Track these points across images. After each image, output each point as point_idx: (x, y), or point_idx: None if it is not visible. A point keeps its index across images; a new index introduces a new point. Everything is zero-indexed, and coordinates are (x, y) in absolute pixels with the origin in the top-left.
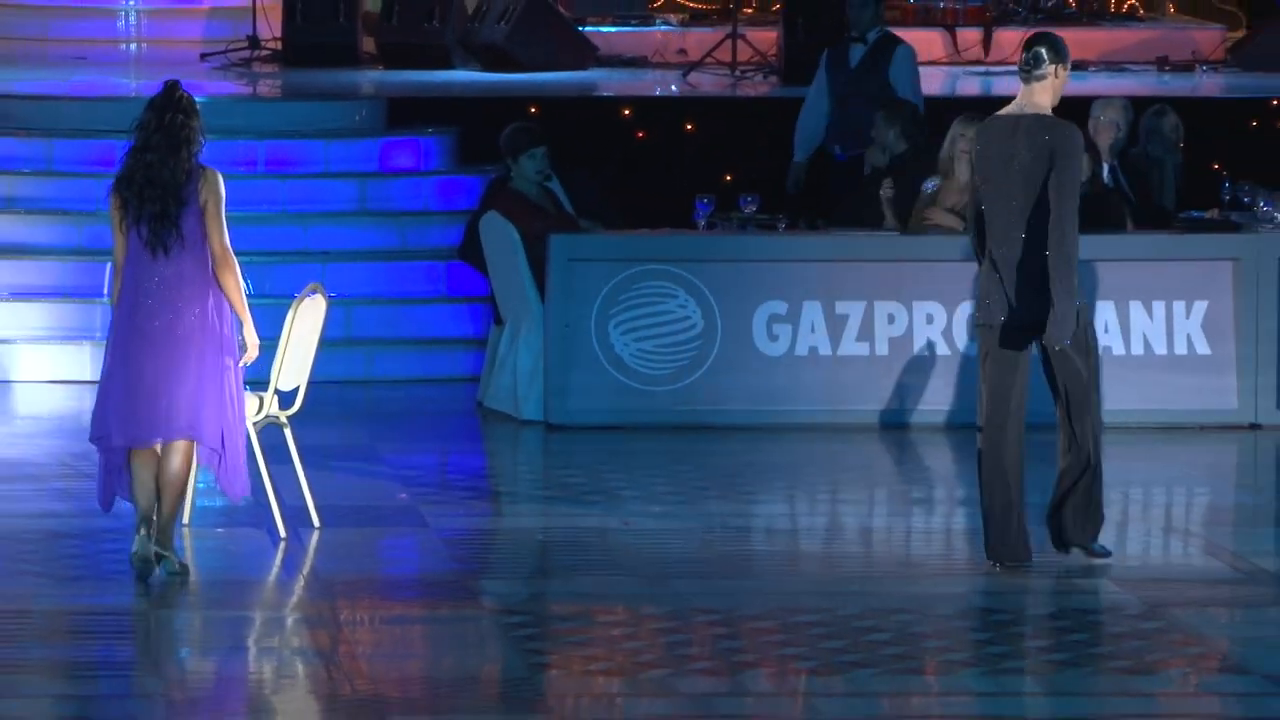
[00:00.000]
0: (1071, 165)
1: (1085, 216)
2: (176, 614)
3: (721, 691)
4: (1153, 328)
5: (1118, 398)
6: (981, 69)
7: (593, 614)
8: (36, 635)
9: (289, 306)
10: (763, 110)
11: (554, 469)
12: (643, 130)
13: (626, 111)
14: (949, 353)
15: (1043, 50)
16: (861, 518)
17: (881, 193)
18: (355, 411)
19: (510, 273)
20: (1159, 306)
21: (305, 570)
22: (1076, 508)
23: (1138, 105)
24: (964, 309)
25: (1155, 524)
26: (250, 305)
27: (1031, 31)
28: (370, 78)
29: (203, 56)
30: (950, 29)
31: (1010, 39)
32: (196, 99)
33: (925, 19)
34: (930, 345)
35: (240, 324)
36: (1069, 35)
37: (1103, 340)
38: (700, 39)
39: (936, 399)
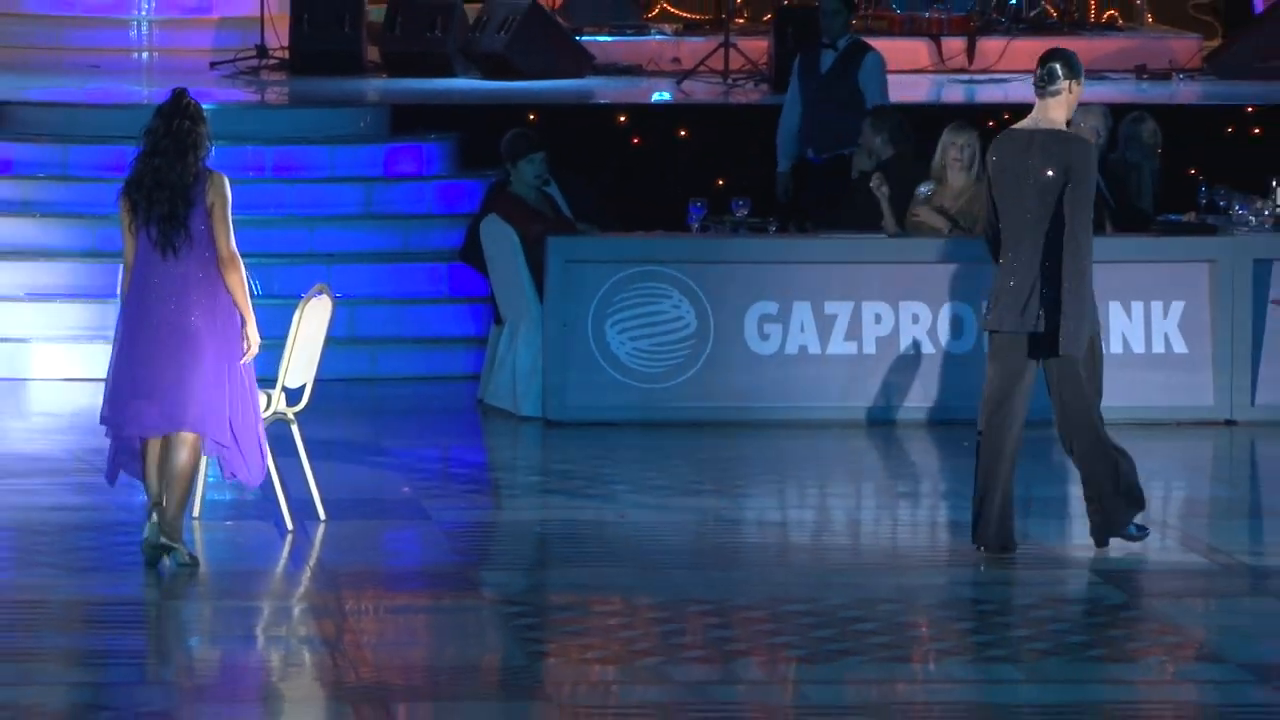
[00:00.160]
0: (1086, 181)
1: None
2: (186, 604)
3: (714, 679)
4: (1131, 327)
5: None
6: (965, 77)
7: (589, 604)
8: (51, 624)
9: (296, 306)
10: (754, 117)
11: (552, 464)
12: (638, 136)
13: (622, 118)
14: (934, 351)
15: (1057, 66)
16: (849, 511)
17: (876, 187)
18: (360, 408)
19: (510, 274)
20: (1138, 306)
21: (311, 561)
22: (1113, 502)
23: (1117, 112)
24: (948, 309)
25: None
26: (258, 305)
27: (1016, 41)
28: (374, 85)
29: (212, 65)
30: (935, 38)
31: (993, 48)
32: (206, 106)
33: (911, 28)
34: (916, 344)
35: (244, 321)
36: (1049, 45)
37: None
38: (693, 48)
39: (922, 396)
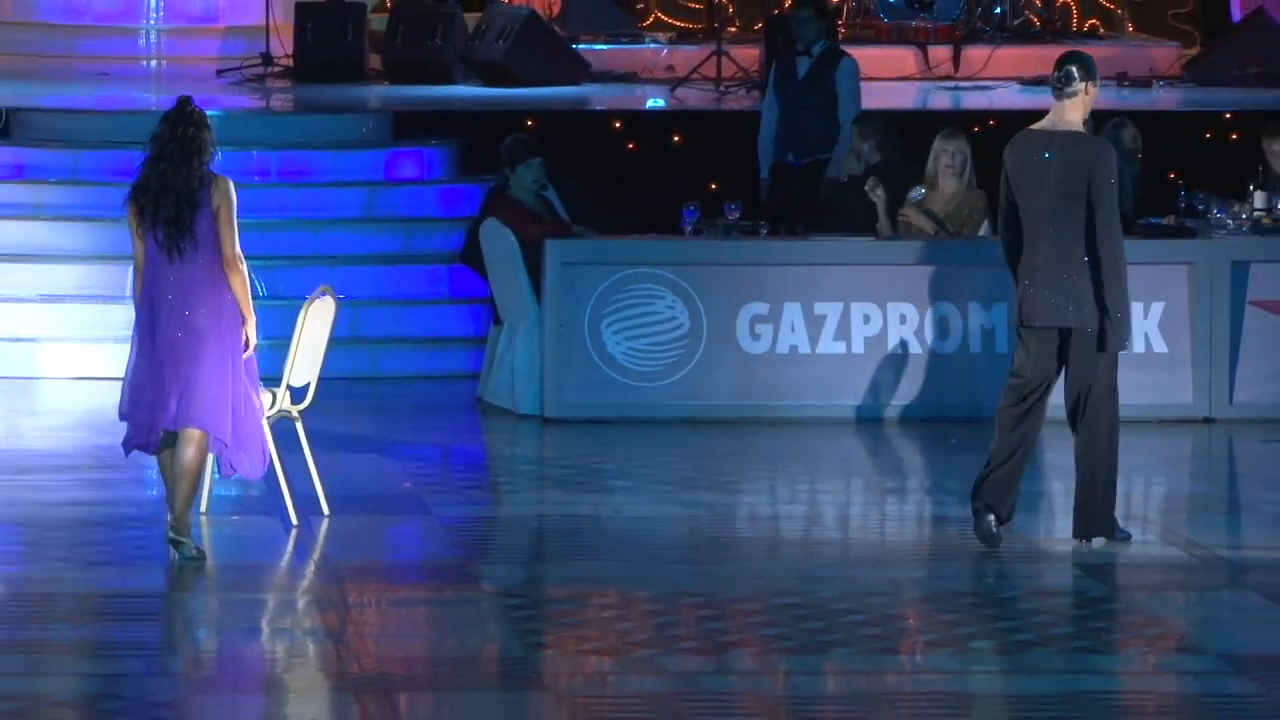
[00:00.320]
0: (1109, 181)
1: None
2: (194, 597)
3: (707, 670)
4: None
5: None
6: (951, 84)
7: (586, 597)
8: (63, 617)
9: (300, 307)
10: (746, 123)
11: (549, 460)
12: (633, 142)
13: (618, 124)
14: (920, 351)
15: (1073, 68)
16: (839, 506)
17: (871, 190)
18: (362, 406)
19: (508, 276)
20: None
21: (315, 556)
22: (1105, 502)
23: (1098, 118)
24: (935, 310)
25: (1116, 512)
26: (263, 306)
27: (1000, 50)
28: (377, 92)
29: (219, 73)
30: (922, 46)
31: (978, 56)
32: (213, 112)
33: (899, 37)
34: (903, 344)
35: (244, 320)
36: (1033, 53)
37: None
38: (687, 56)
39: (909, 395)
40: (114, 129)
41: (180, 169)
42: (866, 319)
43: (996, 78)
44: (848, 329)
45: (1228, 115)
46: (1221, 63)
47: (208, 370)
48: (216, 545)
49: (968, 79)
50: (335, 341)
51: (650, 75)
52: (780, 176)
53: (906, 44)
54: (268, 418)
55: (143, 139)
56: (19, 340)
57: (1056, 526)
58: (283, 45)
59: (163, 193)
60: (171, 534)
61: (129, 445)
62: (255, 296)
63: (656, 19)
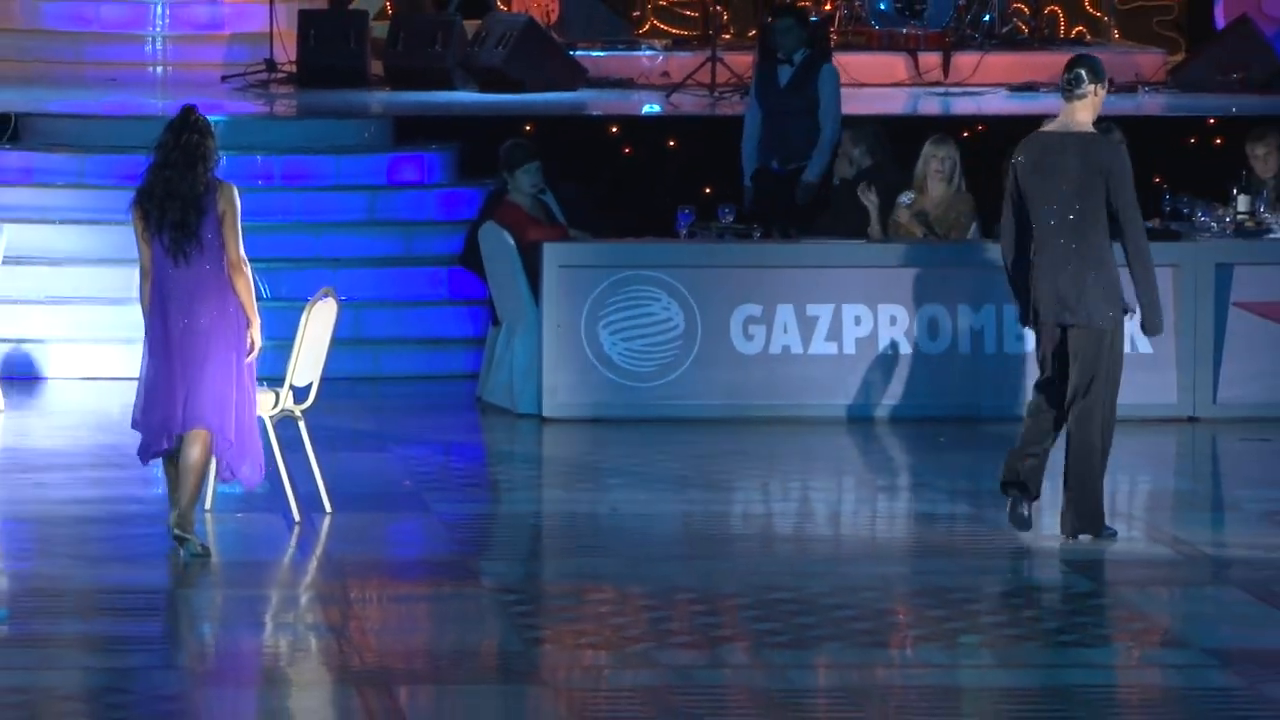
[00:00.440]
0: (1127, 178)
1: None
2: (199, 593)
3: (701, 664)
4: None
5: None
6: (941, 90)
7: (583, 592)
8: (70, 612)
9: (303, 309)
10: (740, 128)
11: (547, 459)
12: (629, 147)
13: (614, 129)
14: (910, 352)
15: (1082, 71)
16: (830, 504)
17: (865, 195)
18: (364, 406)
19: (507, 278)
20: None
21: (318, 552)
22: (1093, 501)
23: None
24: (924, 311)
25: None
26: (267, 308)
27: (989, 56)
28: (378, 98)
29: (224, 78)
30: (912, 53)
31: (968, 62)
32: (218, 118)
33: (889, 44)
34: (894, 345)
35: (249, 323)
36: (1021, 59)
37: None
38: (682, 63)
39: (899, 394)
40: (121, 134)
41: (185, 175)
42: (858, 320)
43: (985, 84)
44: (839, 330)
45: (1212, 120)
46: (1206, 69)
47: (213, 372)
48: (221, 542)
49: (957, 85)
50: (337, 342)
51: (646, 81)
52: (764, 183)
53: (897, 50)
54: (271, 416)
55: (149, 144)
56: (27, 341)
57: (1044, 523)
58: (286, 52)
59: (168, 199)
60: (177, 531)
61: (148, 453)
62: (259, 298)
63: (652, 26)
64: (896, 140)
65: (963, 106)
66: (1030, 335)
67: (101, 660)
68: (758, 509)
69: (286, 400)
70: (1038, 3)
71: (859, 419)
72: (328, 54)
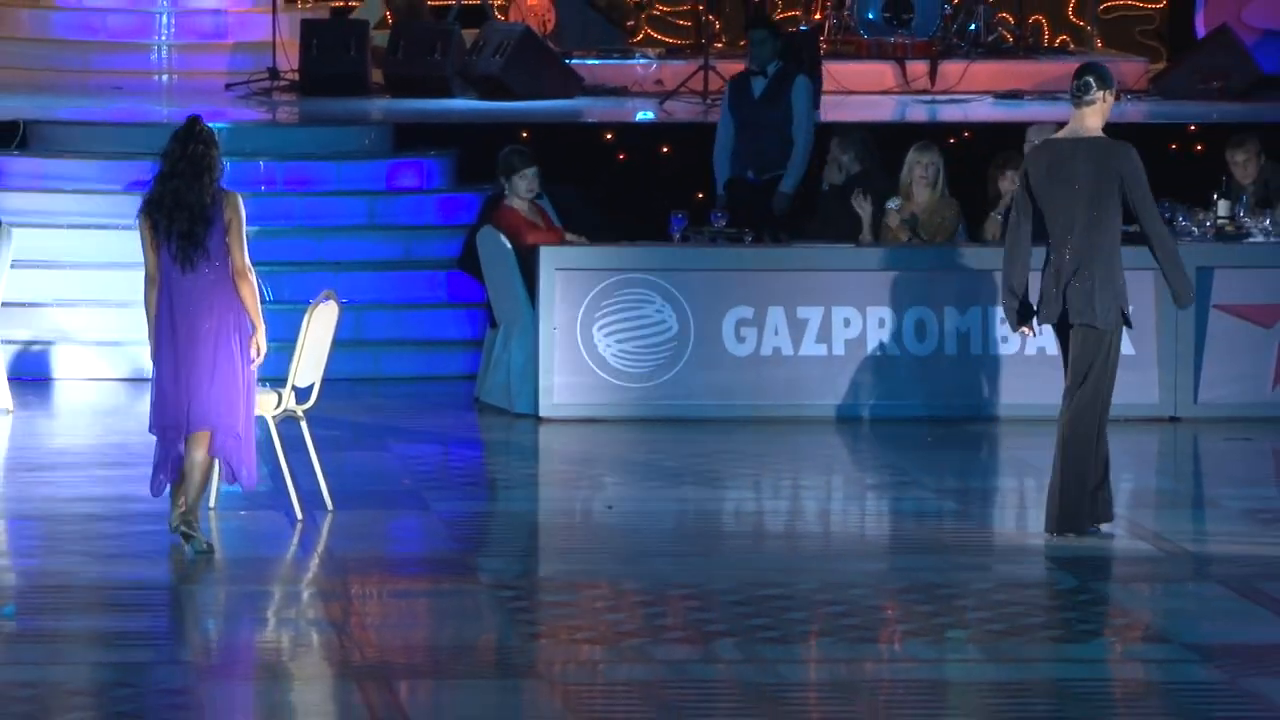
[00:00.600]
0: (1141, 180)
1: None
2: (203, 589)
3: (694, 658)
4: None
5: (1054, 393)
6: (928, 98)
7: (578, 588)
8: (76, 608)
9: (305, 311)
10: None
11: (544, 458)
12: (623, 153)
13: (609, 136)
14: (899, 353)
15: (1091, 79)
16: (820, 502)
17: (859, 204)
18: (364, 406)
19: (504, 281)
20: None
21: (319, 549)
22: (1080, 500)
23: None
24: (912, 313)
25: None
26: (270, 310)
27: (975, 64)
28: (378, 105)
29: (227, 86)
30: (900, 61)
31: (954, 70)
32: (221, 125)
33: (877, 52)
34: (882, 346)
35: (254, 328)
36: (1006, 68)
37: (1038, 341)
38: (675, 71)
39: (887, 395)
40: (127, 141)
41: (192, 185)
42: (847, 322)
43: (971, 91)
44: (829, 332)
45: (1192, 127)
46: (1186, 77)
47: (219, 376)
48: (225, 539)
49: (944, 93)
50: (338, 344)
51: (640, 89)
52: (738, 191)
53: (885, 59)
54: (273, 416)
55: (155, 150)
56: (36, 343)
57: (1029, 521)
58: (289, 60)
59: (176, 208)
60: (183, 528)
61: (159, 478)
62: (262, 301)
63: (646, 35)
64: (885, 147)
65: (949, 114)
66: (1015, 338)
67: (108, 655)
68: (749, 507)
69: (289, 400)
70: (1022, 12)
71: (848, 419)
72: (329, 62)
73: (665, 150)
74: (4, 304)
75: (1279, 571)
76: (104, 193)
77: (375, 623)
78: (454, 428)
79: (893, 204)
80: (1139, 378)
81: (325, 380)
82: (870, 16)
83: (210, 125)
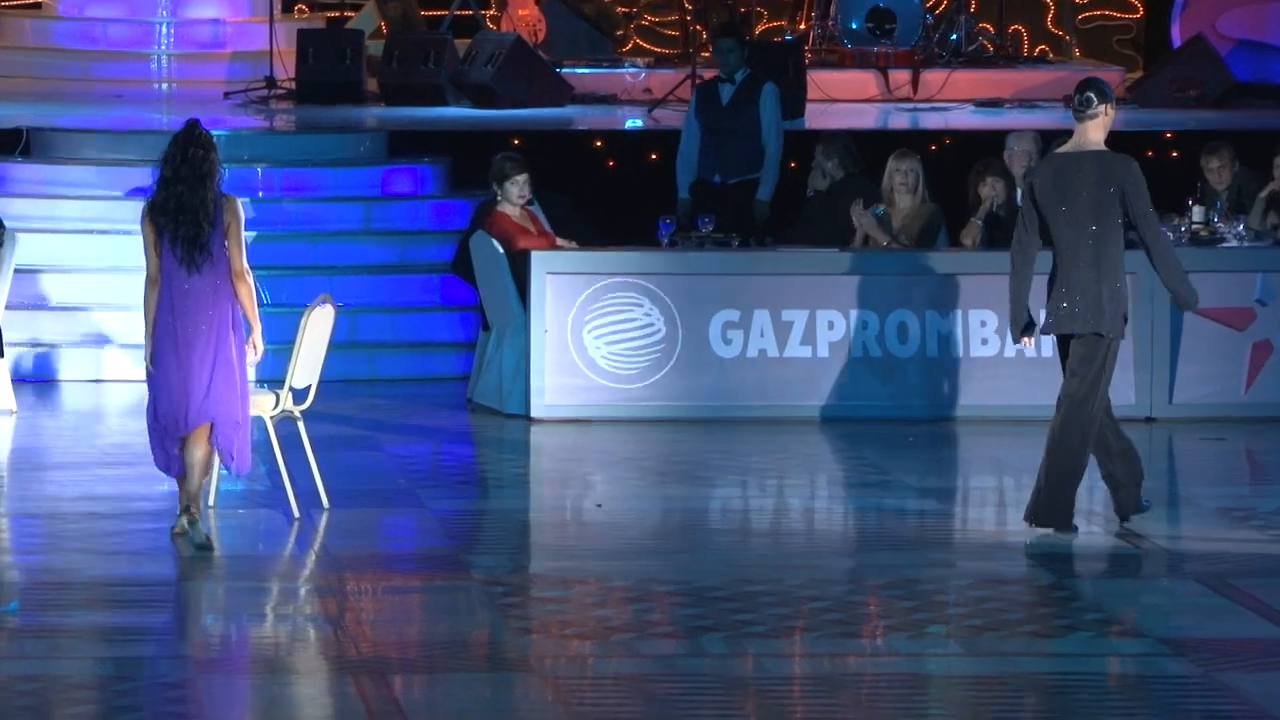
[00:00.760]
0: (1143, 193)
1: (1004, 236)
2: (203, 585)
3: (681, 653)
4: None
5: (1033, 394)
6: (910, 106)
7: (569, 585)
8: (78, 604)
9: (302, 314)
10: None
11: (535, 457)
12: (613, 159)
13: (599, 143)
14: (881, 355)
15: (1092, 93)
16: (804, 500)
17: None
18: (360, 406)
19: (496, 284)
20: None
21: (316, 546)
22: (1066, 495)
23: (1047, 137)
24: (895, 316)
25: None
26: (267, 313)
27: (956, 73)
28: (373, 113)
29: (226, 95)
30: (883, 71)
31: (936, 79)
32: (220, 132)
33: (861, 62)
34: (865, 348)
35: (251, 328)
36: (986, 76)
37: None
38: (663, 79)
39: (870, 396)
40: (128, 148)
41: (195, 190)
42: (831, 325)
43: (952, 100)
44: (814, 334)
45: (1168, 135)
46: (1162, 85)
47: (217, 372)
48: (224, 536)
49: (925, 101)
50: (334, 346)
51: (629, 97)
52: (702, 195)
53: (868, 68)
54: (271, 417)
55: (155, 158)
56: (39, 345)
57: (1008, 518)
58: (285, 69)
59: (180, 212)
60: (184, 519)
61: (161, 444)
62: (260, 304)
63: (635, 45)
64: (868, 153)
65: (931, 121)
66: (995, 340)
67: (109, 650)
68: (735, 505)
69: (286, 401)
70: (1002, 22)
71: (832, 419)
72: (325, 71)
73: (654, 157)
74: (7, 307)
75: (1252, 568)
76: (105, 198)
77: (370, 618)
78: (447, 428)
79: (876, 210)
80: (1116, 379)
81: (322, 381)
82: (854, 27)
83: (208, 130)
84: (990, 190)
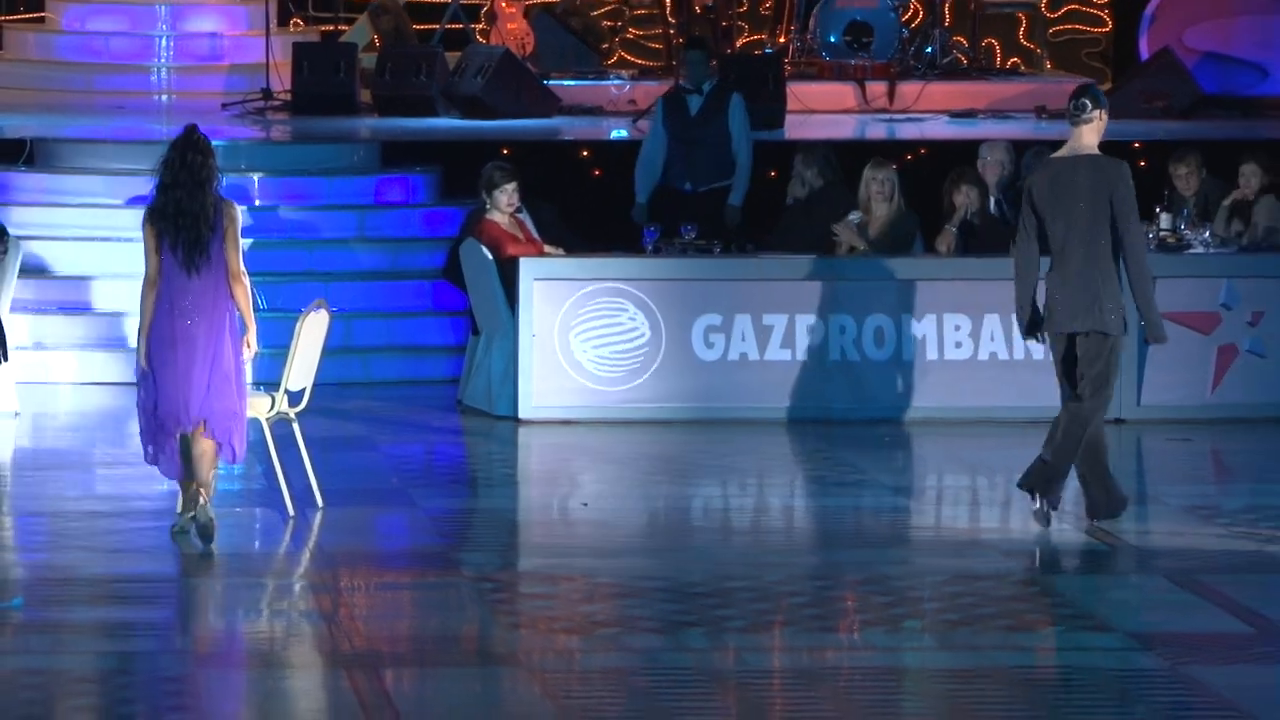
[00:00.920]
0: (1130, 197)
1: (977, 243)
2: (201, 581)
3: (665, 648)
4: None
5: (1005, 396)
6: (886, 117)
7: (556, 581)
8: (80, 600)
9: (297, 319)
10: None
11: (523, 457)
12: (599, 169)
13: (585, 153)
14: (859, 359)
15: (1086, 99)
16: (784, 498)
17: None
18: (354, 408)
19: (486, 290)
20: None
21: (310, 544)
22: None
23: (1020, 147)
24: (871, 321)
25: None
26: (264, 318)
27: (931, 85)
28: (366, 124)
29: (224, 106)
30: (860, 82)
31: (911, 91)
32: (218, 142)
33: (839, 74)
34: (843, 352)
35: (246, 328)
36: (960, 88)
37: (990, 347)
38: (647, 91)
39: (848, 398)
40: (129, 157)
41: (195, 195)
42: (810, 329)
43: (927, 110)
44: (793, 338)
45: (1136, 144)
46: (1131, 96)
47: (216, 370)
48: (221, 534)
49: (901, 112)
50: (329, 350)
51: (614, 108)
52: (673, 202)
53: (846, 80)
54: (267, 419)
55: (154, 167)
56: (40, 348)
57: (981, 516)
58: (281, 81)
59: (181, 217)
60: (192, 507)
61: (155, 439)
62: (256, 309)
63: (620, 58)
64: (846, 162)
65: (907, 132)
66: (969, 343)
67: (110, 644)
68: (717, 504)
69: (281, 404)
70: (976, 35)
71: (811, 420)
72: (320, 83)
73: None
74: (11, 311)
75: (1217, 564)
76: (106, 207)
77: (363, 614)
78: (438, 429)
79: (854, 218)
80: None
81: (316, 384)
82: (832, 40)
83: (206, 136)
84: (964, 198)
